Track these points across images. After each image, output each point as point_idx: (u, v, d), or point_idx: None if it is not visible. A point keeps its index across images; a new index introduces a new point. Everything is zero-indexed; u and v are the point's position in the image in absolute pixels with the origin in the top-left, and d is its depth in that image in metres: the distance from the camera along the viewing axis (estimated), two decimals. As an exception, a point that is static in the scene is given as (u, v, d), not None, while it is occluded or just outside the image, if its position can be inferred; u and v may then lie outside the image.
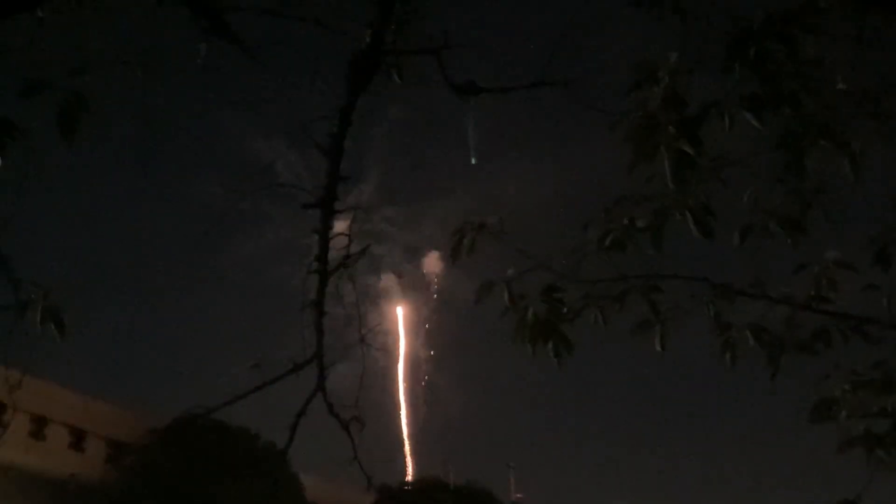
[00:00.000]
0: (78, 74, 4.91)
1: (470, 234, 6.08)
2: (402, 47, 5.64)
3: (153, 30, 5.42)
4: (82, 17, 5.24)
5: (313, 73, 5.75)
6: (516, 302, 5.97)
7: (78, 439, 47.03)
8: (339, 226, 6.08)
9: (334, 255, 6.15)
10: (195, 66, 5.48)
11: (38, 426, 44.41)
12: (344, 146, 5.70)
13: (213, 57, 5.47)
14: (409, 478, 56.84)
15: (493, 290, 6.02)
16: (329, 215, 5.83)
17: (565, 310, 6.04)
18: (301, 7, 5.64)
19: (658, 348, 6.10)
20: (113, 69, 5.19)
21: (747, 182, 6.03)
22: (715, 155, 5.54)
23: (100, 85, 4.98)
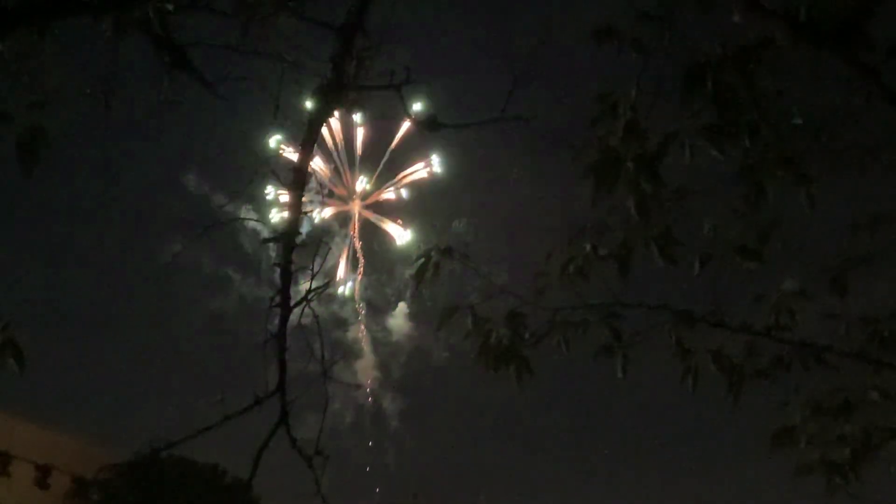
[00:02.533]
0: (38, 107, 4.89)
1: (435, 257, 6.11)
2: (363, 82, 5.69)
3: (115, 65, 5.43)
4: (43, 51, 5.23)
5: (275, 107, 5.78)
6: (480, 326, 6.04)
7: (43, 475, 46.23)
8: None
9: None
10: (156, 102, 5.49)
11: (3, 463, 43.66)
12: (306, 178, 5.73)
13: (174, 93, 5.49)
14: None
15: (457, 314, 6.08)
16: (290, 249, 5.83)
17: (528, 335, 6.12)
18: (262, 42, 5.68)
19: (619, 374, 6.14)
20: (74, 103, 5.19)
21: (707, 212, 6.10)
22: (676, 186, 5.61)
23: (60, 119, 4.97)
